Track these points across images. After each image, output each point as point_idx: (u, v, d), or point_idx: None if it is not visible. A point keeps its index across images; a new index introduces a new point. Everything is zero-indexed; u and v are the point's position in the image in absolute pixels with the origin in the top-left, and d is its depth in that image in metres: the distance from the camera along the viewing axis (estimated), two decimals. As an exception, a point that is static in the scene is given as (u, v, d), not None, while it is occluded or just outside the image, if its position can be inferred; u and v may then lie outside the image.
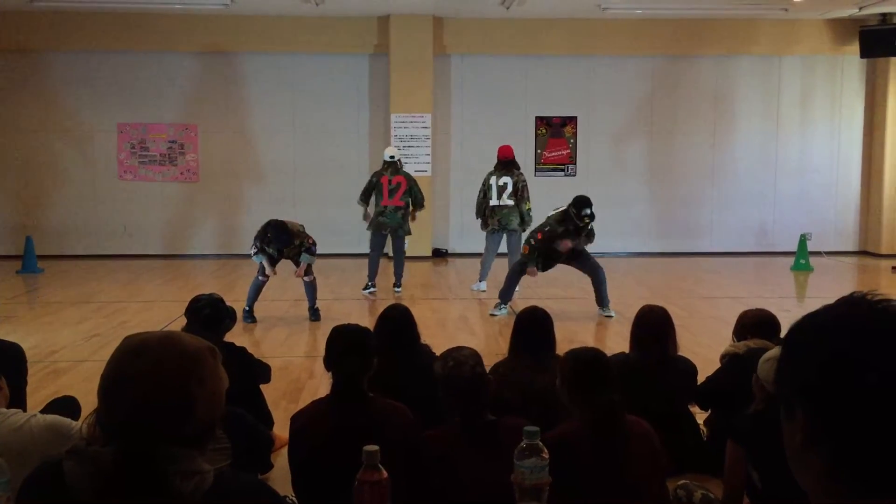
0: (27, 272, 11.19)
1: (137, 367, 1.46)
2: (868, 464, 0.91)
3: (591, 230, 8.20)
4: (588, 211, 7.88)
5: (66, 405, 3.86)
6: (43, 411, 3.01)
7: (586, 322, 8.03)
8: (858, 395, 0.91)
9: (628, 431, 2.96)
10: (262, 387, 4.62)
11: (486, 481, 2.67)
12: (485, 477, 2.72)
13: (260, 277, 8.12)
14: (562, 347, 4.19)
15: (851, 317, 0.96)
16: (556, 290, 9.22)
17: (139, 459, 1.40)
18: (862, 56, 12.70)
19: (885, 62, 12.96)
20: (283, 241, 7.88)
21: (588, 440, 2.89)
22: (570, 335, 7.23)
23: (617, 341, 6.62)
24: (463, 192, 13.09)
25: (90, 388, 1.55)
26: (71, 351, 6.85)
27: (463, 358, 3.02)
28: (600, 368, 3.02)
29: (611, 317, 8.20)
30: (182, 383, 1.45)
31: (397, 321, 4.14)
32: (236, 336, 4.74)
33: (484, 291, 9.45)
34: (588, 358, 3.08)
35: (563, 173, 13.25)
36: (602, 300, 8.27)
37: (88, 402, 1.70)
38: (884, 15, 12.42)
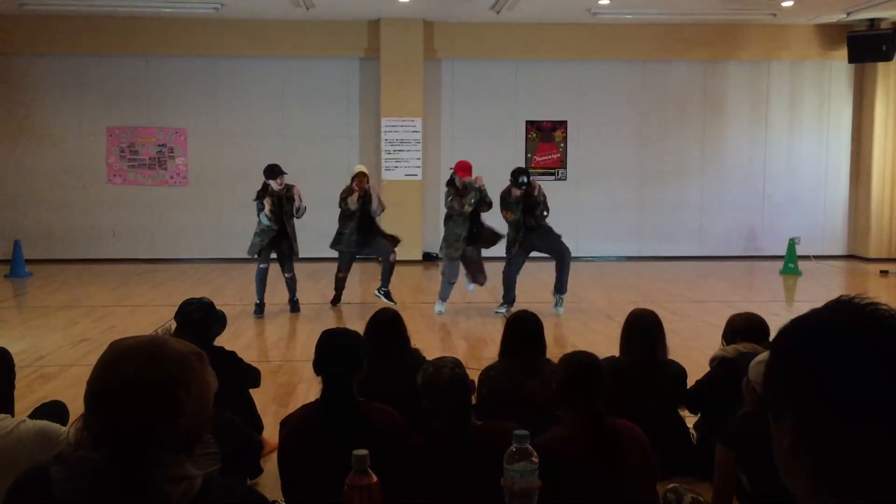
0: (15, 276, 11.13)
1: (124, 372, 1.45)
2: (856, 467, 0.92)
3: (542, 200, 8.44)
4: (524, 179, 8.36)
5: (54, 410, 3.84)
6: (31, 416, 2.99)
7: (576, 326, 8.05)
8: (846, 399, 0.91)
9: (620, 436, 2.96)
10: (252, 391, 4.61)
11: (471, 486, 2.67)
12: (469, 481, 2.72)
13: (260, 265, 8.61)
14: (551, 351, 4.21)
15: (839, 320, 0.96)
16: (546, 295, 9.22)
17: (126, 464, 1.39)
18: (850, 61, 12.78)
19: (873, 67, 13.04)
20: (280, 172, 8.65)
21: (578, 444, 2.89)
22: (560, 339, 7.24)
23: (607, 345, 6.63)
24: (453, 196, 13.11)
25: (78, 392, 1.54)
26: (59, 355, 6.82)
27: (442, 362, 3.02)
28: (592, 374, 3.02)
29: (559, 313, 8.42)
30: (168, 388, 1.45)
31: (387, 325, 4.13)
32: (226, 340, 4.73)
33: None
34: (580, 363, 3.08)
35: (553, 177, 13.27)
36: (560, 286, 8.55)
37: (76, 407, 1.69)
38: (871, 20, 12.49)
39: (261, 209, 8.55)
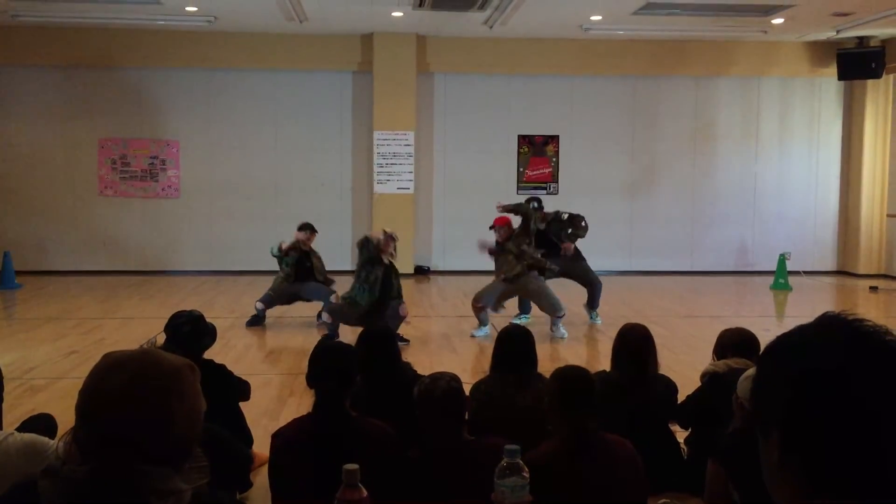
0: (5, 288, 11.06)
1: (115, 384, 1.44)
2: (843, 481, 0.92)
3: (567, 221, 9.02)
4: (535, 204, 8.92)
5: (42, 423, 3.81)
6: (19, 429, 2.97)
7: (568, 340, 8.04)
8: (833, 413, 0.92)
9: (611, 451, 2.96)
10: (242, 404, 4.59)
11: (462, 500, 2.66)
12: (460, 496, 2.71)
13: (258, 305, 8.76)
14: (543, 365, 4.21)
15: (826, 336, 0.97)
16: (537, 309, 9.22)
17: (115, 478, 1.38)
18: (840, 78, 12.88)
19: (862, 84, 13.15)
20: (308, 227, 8.97)
21: (569, 459, 2.88)
22: (552, 353, 7.24)
23: (598, 359, 6.64)
24: (445, 209, 13.12)
25: (67, 405, 1.53)
26: (48, 368, 6.77)
27: (439, 375, 3.04)
28: (584, 389, 3.02)
29: (596, 322, 8.80)
30: (160, 400, 1.44)
31: (378, 339, 4.13)
32: (216, 353, 4.71)
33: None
34: (572, 377, 3.08)
35: (545, 192, 13.29)
36: (593, 303, 8.98)
37: (65, 420, 1.69)
38: (861, 38, 12.60)
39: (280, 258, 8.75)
